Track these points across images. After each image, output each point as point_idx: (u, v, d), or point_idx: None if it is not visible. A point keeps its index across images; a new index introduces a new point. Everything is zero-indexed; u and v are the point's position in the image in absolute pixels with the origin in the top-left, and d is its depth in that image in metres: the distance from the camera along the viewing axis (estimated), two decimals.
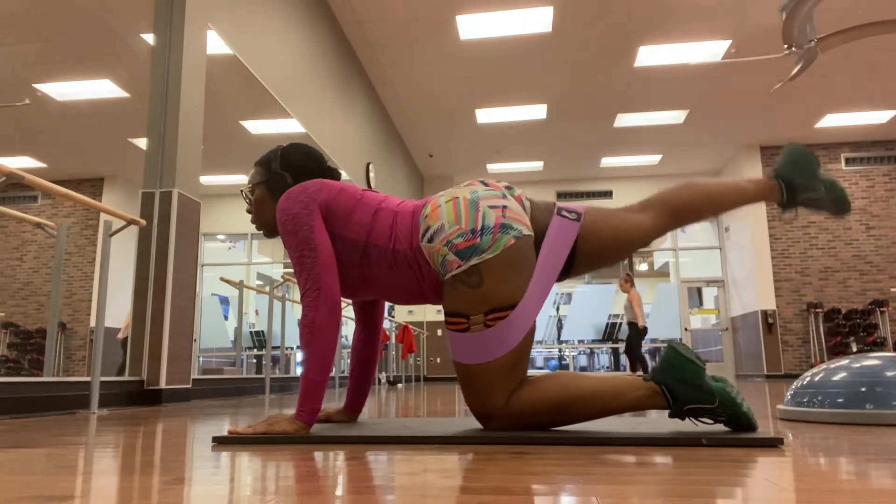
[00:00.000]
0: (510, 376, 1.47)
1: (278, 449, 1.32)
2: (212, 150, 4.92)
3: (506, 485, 0.87)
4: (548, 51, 7.71)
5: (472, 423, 1.68)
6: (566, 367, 12.66)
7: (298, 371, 8.75)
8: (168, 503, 0.77)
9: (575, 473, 0.96)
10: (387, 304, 10.04)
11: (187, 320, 3.87)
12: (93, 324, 9.18)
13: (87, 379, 3.07)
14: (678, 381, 1.38)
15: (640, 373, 6.71)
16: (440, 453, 1.22)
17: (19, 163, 8.64)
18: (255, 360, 10.40)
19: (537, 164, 11.96)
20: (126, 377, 3.50)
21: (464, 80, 8.48)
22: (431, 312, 12.08)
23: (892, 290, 10.61)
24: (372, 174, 8.28)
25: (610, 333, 12.33)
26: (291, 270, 7.31)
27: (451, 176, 12.53)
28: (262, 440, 1.42)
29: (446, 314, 1.53)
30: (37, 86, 6.92)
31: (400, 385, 8.25)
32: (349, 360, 2.04)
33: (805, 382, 2.04)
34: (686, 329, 12.00)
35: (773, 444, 1.27)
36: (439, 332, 12.05)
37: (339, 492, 0.83)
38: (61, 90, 7.04)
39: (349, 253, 1.59)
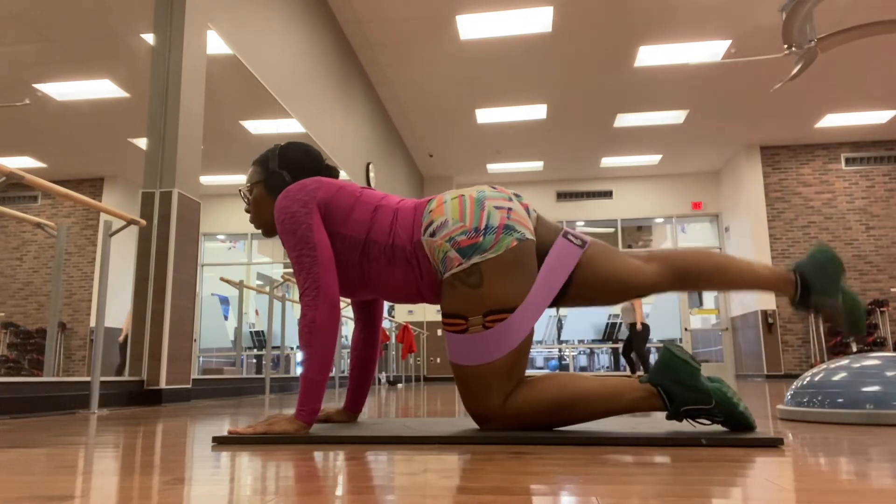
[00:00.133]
0: (508, 377, 1.46)
1: (278, 449, 1.32)
2: (212, 150, 4.91)
3: (505, 485, 0.87)
4: (548, 51, 7.71)
5: (472, 424, 1.68)
6: (566, 367, 12.66)
7: (298, 371, 8.75)
8: (168, 503, 0.77)
9: (575, 473, 0.96)
10: (386, 304, 10.03)
11: (187, 320, 3.87)
12: (93, 324, 9.18)
13: (87, 379, 3.07)
14: (674, 382, 1.38)
15: (640, 373, 6.71)
16: (440, 453, 1.22)
17: (19, 163, 8.63)
18: (255, 360, 10.39)
19: (537, 164, 11.96)
20: (126, 377, 3.50)
21: (464, 80, 8.48)
22: (431, 312, 12.08)
23: (892, 290, 10.61)
24: (372, 174, 8.28)
25: (610, 334, 12.33)
26: (291, 270, 7.29)
27: (451, 176, 12.53)
28: (262, 440, 1.42)
29: (444, 315, 1.52)
30: (37, 86, 6.91)
31: (400, 385, 8.25)
32: (349, 360, 2.04)
33: (805, 382, 2.04)
34: (686, 329, 12.00)
35: (773, 444, 1.27)
36: (439, 333, 12.05)
37: (339, 492, 0.83)
38: (61, 90, 7.04)
39: (348, 251, 1.58)
